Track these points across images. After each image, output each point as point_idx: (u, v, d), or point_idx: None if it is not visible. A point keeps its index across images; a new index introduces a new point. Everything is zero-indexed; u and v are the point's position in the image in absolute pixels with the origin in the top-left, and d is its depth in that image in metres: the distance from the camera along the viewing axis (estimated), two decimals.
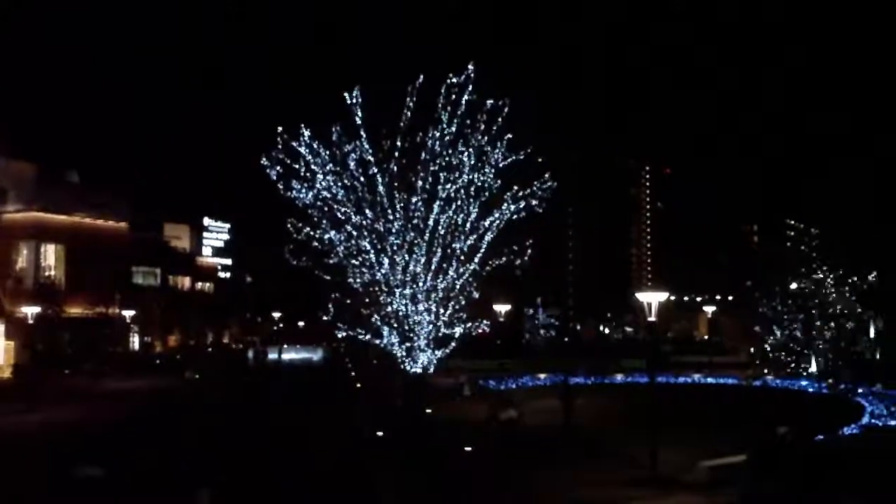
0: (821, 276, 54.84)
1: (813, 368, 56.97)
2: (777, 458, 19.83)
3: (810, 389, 55.26)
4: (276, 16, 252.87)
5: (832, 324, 51.53)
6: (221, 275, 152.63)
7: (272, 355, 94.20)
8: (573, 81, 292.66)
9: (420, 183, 40.59)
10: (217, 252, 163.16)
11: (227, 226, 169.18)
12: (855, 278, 51.79)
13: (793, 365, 60.53)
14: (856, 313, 50.59)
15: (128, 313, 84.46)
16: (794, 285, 63.45)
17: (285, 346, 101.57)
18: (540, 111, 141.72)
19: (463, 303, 42.53)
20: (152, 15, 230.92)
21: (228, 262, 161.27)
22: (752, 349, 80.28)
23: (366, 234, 41.34)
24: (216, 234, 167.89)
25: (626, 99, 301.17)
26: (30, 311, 55.63)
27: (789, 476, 19.30)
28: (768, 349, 65.86)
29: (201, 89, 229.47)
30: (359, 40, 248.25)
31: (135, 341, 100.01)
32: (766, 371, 65.42)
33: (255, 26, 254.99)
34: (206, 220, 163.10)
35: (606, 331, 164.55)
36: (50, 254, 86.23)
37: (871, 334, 58.34)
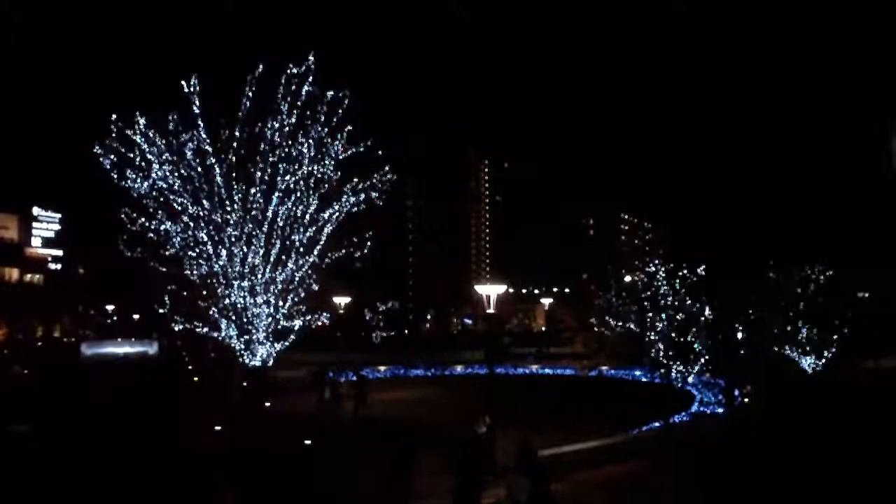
0: (653, 268, 56.36)
1: (646, 359, 58.57)
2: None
3: (644, 379, 56.87)
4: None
5: (664, 315, 52.99)
6: (52, 266, 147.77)
7: (95, 349, 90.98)
8: (415, 76, 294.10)
9: (259, 174, 40.09)
10: (47, 243, 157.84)
11: (59, 216, 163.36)
12: (685, 271, 53.36)
13: (627, 355, 62.15)
14: (685, 305, 52.14)
15: None
16: (628, 278, 65.13)
17: (119, 339, 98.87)
18: (379, 104, 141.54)
19: (302, 295, 42.22)
20: None
21: (60, 253, 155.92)
22: (587, 340, 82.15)
23: (203, 225, 40.58)
24: (46, 224, 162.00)
25: (464, 92, 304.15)
26: None
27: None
28: (604, 340, 67.48)
29: (30, 74, 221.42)
30: (196, 27, 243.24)
31: None
32: (601, 362, 67.05)
33: (90, 12, 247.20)
34: (36, 210, 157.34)
35: (450, 321, 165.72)
36: None
37: (700, 326, 60.36)
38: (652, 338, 53.52)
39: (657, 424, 33.64)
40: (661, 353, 50.65)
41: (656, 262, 57.18)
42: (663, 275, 54.10)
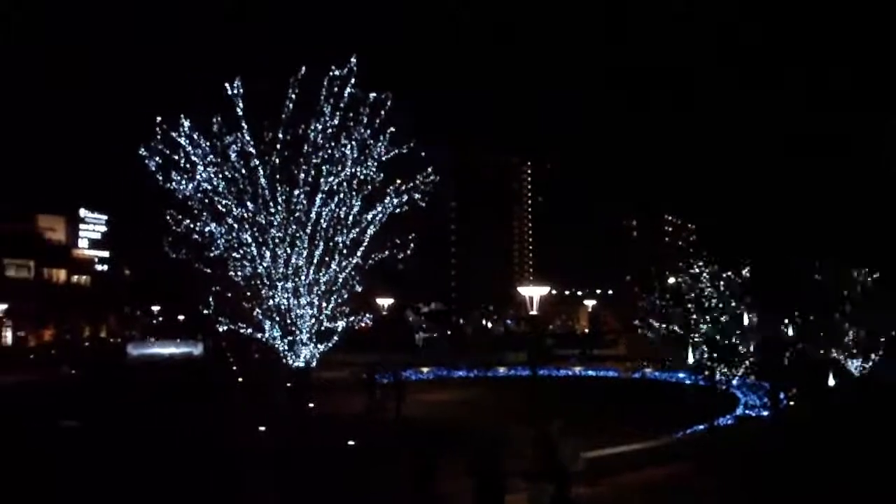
0: (697, 270, 55.99)
1: (690, 361, 58.13)
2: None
3: (687, 381, 56.43)
4: (155, 3, 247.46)
5: (708, 317, 52.57)
6: (99, 267, 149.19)
7: (142, 350, 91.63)
8: (456, 77, 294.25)
9: (302, 175, 40.23)
10: (94, 244, 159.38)
11: (105, 217, 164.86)
12: (730, 273, 52.91)
13: (670, 357, 61.73)
14: (730, 307, 51.67)
15: None
16: (671, 279, 64.65)
17: (164, 339, 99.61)
18: (422, 106, 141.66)
19: (345, 296, 42.32)
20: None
21: (106, 254, 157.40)
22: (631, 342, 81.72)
23: (247, 226, 40.79)
24: (93, 225, 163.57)
25: (508, 94, 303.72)
26: None
27: None
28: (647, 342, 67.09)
29: (77, 77, 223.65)
30: (242, 29, 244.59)
31: (7, 336, 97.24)
32: (644, 363, 66.62)
33: (134, 13, 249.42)
34: (83, 212, 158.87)
35: (489, 325, 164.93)
36: None
37: (745, 328, 59.86)
38: (696, 339, 53.19)
39: (701, 427, 33.41)
40: (706, 356, 50.29)
41: (700, 263, 56.81)
42: (707, 276, 53.73)
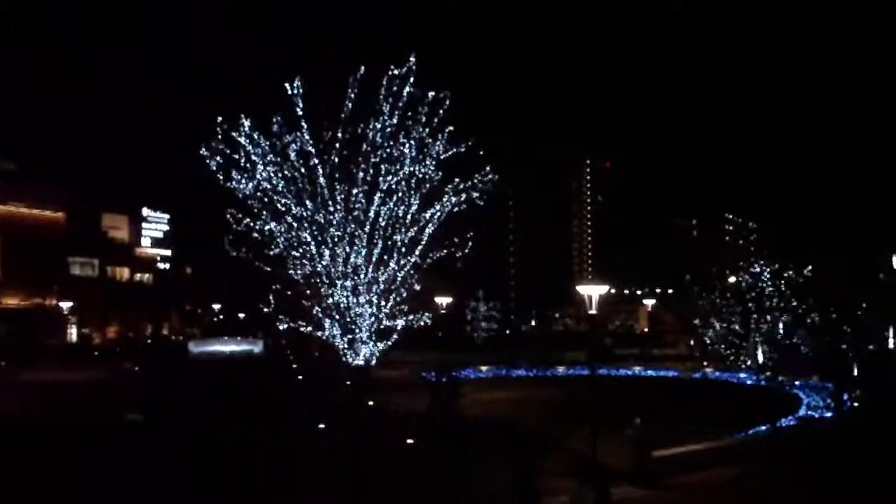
0: (758, 269, 55.43)
1: (751, 361, 57.61)
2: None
3: (749, 381, 55.82)
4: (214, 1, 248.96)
5: (769, 317, 52.09)
6: (161, 266, 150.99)
7: (203, 347, 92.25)
8: (514, 74, 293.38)
9: (361, 174, 40.43)
10: (156, 243, 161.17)
11: (167, 216, 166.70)
12: (791, 272, 52.36)
13: (731, 357, 61.20)
14: (791, 306, 51.11)
15: (65, 304, 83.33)
16: (732, 278, 64.17)
17: (225, 337, 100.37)
18: (482, 103, 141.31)
19: (404, 295, 42.43)
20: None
21: (168, 252, 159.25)
22: (691, 342, 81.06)
23: (306, 225, 41.09)
24: (155, 224, 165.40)
25: (567, 93, 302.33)
26: None
27: None
28: (707, 342, 66.53)
29: (140, 77, 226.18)
30: (300, 29, 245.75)
31: (73, 333, 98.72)
32: (705, 363, 66.00)
33: (194, 15, 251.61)
34: (146, 211, 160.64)
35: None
36: None
37: (807, 327, 59.21)
38: (757, 339, 52.65)
39: (763, 428, 33.06)
40: (767, 356, 49.77)
41: (761, 262, 56.26)
42: (768, 275, 53.16)
